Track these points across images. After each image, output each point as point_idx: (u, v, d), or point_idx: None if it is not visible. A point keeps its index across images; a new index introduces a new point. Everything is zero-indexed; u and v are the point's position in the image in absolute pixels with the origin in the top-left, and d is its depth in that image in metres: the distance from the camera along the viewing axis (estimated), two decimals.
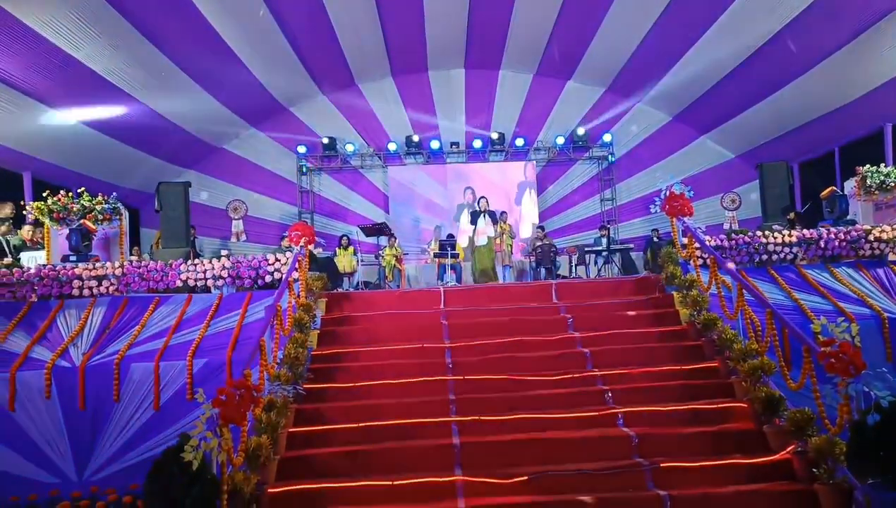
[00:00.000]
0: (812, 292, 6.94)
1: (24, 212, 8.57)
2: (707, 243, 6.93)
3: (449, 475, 4.61)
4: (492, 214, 11.13)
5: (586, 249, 12.49)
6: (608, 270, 12.10)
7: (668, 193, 7.43)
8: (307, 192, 14.42)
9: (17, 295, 6.93)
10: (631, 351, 6.25)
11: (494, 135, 14.23)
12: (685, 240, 7.26)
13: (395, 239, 12.32)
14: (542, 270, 12.02)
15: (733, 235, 7.56)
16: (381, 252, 12.03)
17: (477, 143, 14.28)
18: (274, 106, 13.76)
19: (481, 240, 10.85)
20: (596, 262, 12.45)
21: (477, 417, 5.20)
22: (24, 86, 9.02)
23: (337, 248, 12.33)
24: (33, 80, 9.03)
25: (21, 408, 5.92)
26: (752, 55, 11.00)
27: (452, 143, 14.44)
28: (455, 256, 11.58)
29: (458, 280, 11.40)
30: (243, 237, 14.03)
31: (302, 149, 14.16)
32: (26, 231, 8.89)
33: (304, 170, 14.33)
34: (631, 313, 7.05)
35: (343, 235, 12.60)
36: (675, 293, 7.02)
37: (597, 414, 5.23)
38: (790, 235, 7.50)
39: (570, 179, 14.72)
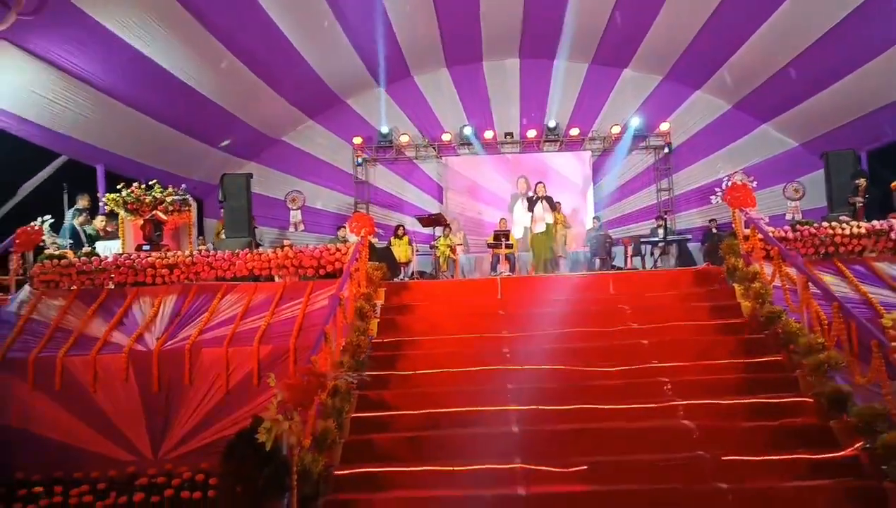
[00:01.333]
0: (881, 285, 6.68)
1: (100, 204, 9.03)
2: (770, 234, 6.77)
3: (508, 462, 4.69)
4: (549, 200, 10.82)
5: (642, 240, 12.32)
6: (665, 261, 11.91)
7: (729, 183, 7.27)
8: (363, 183, 14.66)
9: (95, 282, 7.31)
10: (691, 343, 6.19)
11: (552, 124, 14.14)
12: (747, 232, 7.11)
13: (450, 229, 12.42)
14: (597, 261, 11.93)
15: (798, 226, 7.35)
16: (435, 242, 12.16)
17: (531, 133, 14.22)
18: (331, 98, 14.01)
19: (539, 228, 10.59)
20: (652, 253, 12.27)
21: (535, 406, 5.26)
22: (99, 82, 9.50)
23: (392, 238, 12.52)
24: (108, 77, 9.50)
25: (101, 389, 6.24)
26: (818, 41, 10.59)
27: (506, 134, 14.42)
28: (509, 246, 11.60)
29: (512, 270, 11.43)
30: (301, 227, 14.38)
31: (358, 141, 14.38)
32: (100, 221, 9.38)
33: (360, 161, 14.57)
34: (690, 305, 6.96)
35: (398, 225, 12.78)
36: (736, 285, 6.89)
37: (656, 405, 5.22)
38: (858, 226, 7.24)
39: (626, 169, 14.51)
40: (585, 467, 4.54)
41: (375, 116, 14.43)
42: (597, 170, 14.51)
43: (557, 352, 6.08)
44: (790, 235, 7.22)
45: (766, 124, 13.89)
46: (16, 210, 10.80)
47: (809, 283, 5.63)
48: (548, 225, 10.55)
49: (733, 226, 7.55)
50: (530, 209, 10.84)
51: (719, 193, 7.57)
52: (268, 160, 14.44)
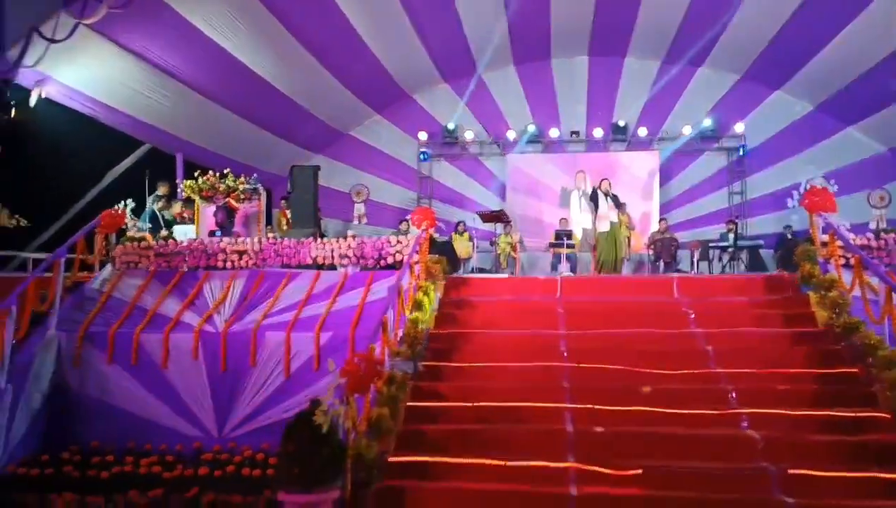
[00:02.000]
0: None
1: (178, 191, 9.45)
2: (852, 242, 6.43)
3: (561, 461, 4.63)
4: (615, 198, 10.10)
5: (710, 244, 11.92)
6: (734, 267, 11.49)
7: (808, 187, 6.94)
8: (426, 178, 14.77)
9: (171, 264, 7.68)
10: (759, 351, 5.95)
11: (620, 123, 13.86)
12: (825, 238, 6.78)
13: (512, 226, 12.36)
14: (661, 264, 11.62)
15: (882, 234, 6.95)
16: (496, 239, 12.12)
17: (598, 132, 13.98)
18: (397, 93, 14.18)
19: (603, 226, 9.95)
20: (721, 258, 11.84)
21: (591, 406, 5.18)
22: (180, 74, 9.94)
23: (453, 234, 12.57)
24: (188, 69, 9.93)
25: (173, 366, 6.55)
26: None
27: (572, 132, 14.22)
28: (571, 246, 11.46)
29: (573, 270, 11.28)
30: (364, 220, 14.63)
31: (422, 136, 14.50)
32: (177, 207, 9.82)
33: (424, 156, 14.69)
34: (760, 312, 6.70)
35: (459, 221, 12.81)
36: (811, 293, 6.59)
37: (719, 413, 5.05)
38: None
39: (696, 171, 14.06)
40: (640, 471, 4.44)
41: (441, 112, 14.50)
42: (665, 171, 14.11)
43: (615, 352, 5.97)
44: (873, 243, 6.84)
45: (851, 127, 13.17)
46: (102, 194, 11.47)
47: (893, 294, 5.32)
48: (612, 224, 10.01)
49: (810, 231, 7.21)
50: (592, 200, 10.18)
51: (796, 197, 7.21)
52: (335, 153, 14.73)
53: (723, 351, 5.88)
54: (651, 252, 12.05)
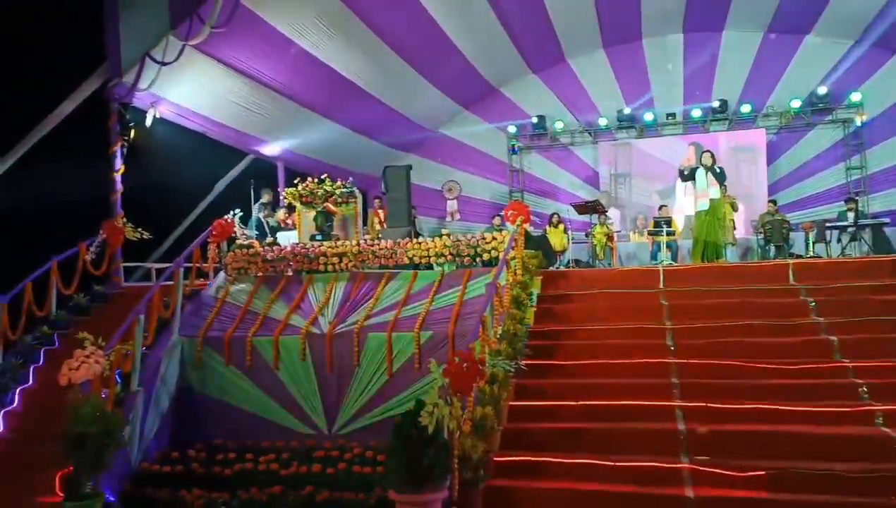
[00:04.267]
0: None
1: (281, 198, 9.87)
2: None
3: (674, 461, 4.47)
4: (716, 172, 9.04)
5: (828, 225, 11.07)
6: (855, 248, 10.62)
7: None
8: (517, 171, 14.65)
9: (277, 269, 8.03)
10: (891, 341, 5.47)
11: (716, 103, 13.16)
12: None
13: (607, 216, 12.03)
14: (772, 248, 10.93)
15: None
16: (591, 229, 11.85)
17: (696, 113, 13.34)
18: (485, 88, 14.15)
19: (703, 204, 8.99)
20: (839, 240, 10.99)
21: (704, 404, 4.96)
22: (278, 85, 10.39)
23: (547, 226, 12.39)
24: (284, 79, 10.36)
25: (283, 367, 6.86)
26: None
27: (668, 115, 13.64)
28: (671, 234, 10.99)
29: (674, 259, 10.82)
30: (457, 216, 14.72)
31: (512, 129, 14.39)
32: (281, 214, 10.27)
33: (515, 149, 14.56)
34: (888, 297, 6.15)
35: (553, 213, 12.61)
36: None
37: (849, 410, 4.70)
38: None
39: (807, 147, 13.13)
40: (763, 472, 4.19)
41: (529, 103, 14.33)
42: (772, 149, 13.27)
43: (728, 346, 5.69)
44: None
45: None
46: (212, 204, 12.20)
47: None
48: (712, 201, 8.97)
49: None
50: (688, 178, 9.16)
51: None
52: (426, 151, 14.91)
53: (849, 342, 5.47)
54: (760, 236, 11.35)
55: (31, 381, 6.63)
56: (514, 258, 7.12)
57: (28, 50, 8.79)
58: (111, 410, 5.35)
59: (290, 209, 9.57)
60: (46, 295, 7.42)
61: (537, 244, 8.91)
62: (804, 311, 6.09)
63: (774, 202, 11.98)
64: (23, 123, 8.35)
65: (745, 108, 13.11)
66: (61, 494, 5.19)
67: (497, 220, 12.03)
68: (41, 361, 6.86)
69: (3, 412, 6.25)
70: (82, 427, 4.83)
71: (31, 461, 5.62)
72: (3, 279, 7.26)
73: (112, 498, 5.33)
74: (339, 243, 8.12)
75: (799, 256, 10.66)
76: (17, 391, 6.46)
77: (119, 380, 5.95)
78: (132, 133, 8.80)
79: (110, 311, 7.46)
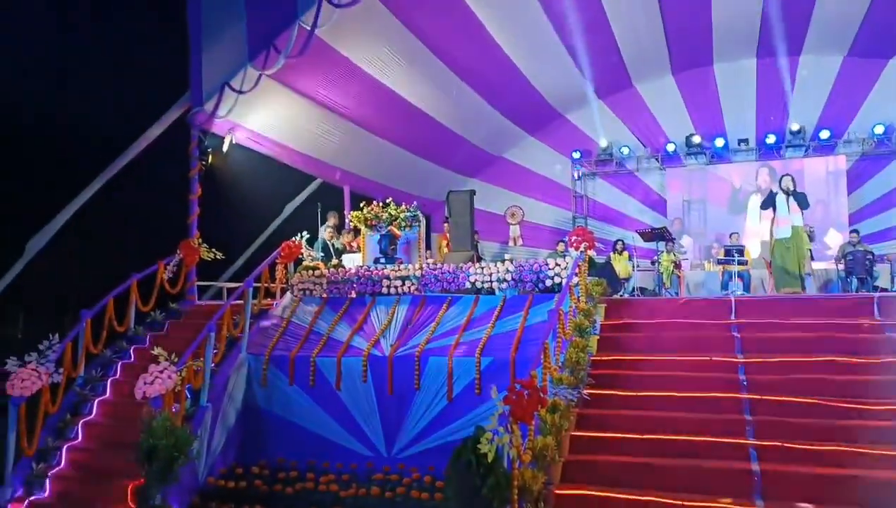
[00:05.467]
0: None
1: (347, 221, 10.08)
2: None
3: (747, 503, 4.25)
4: (800, 196, 8.56)
5: None
6: None
7: None
8: (581, 197, 14.48)
9: (341, 291, 8.19)
10: None
11: (796, 127, 12.67)
12: None
13: (675, 243, 11.71)
14: (854, 281, 10.35)
15: None
16: (658, 257, 11.55)
17: (770, 139, 12.87)
18: (549, 113, 14.11)
19: (783, 232, 8.56)
20: None
21: (780, 443, 4.70)
22: (346, 112, 10.71)
23: (612, 253, 12.17)
24: (352, 105, 10.67)
25: (345, 389, 6.95)
26: None
27: (740, 141, 13.22)
28: (743, 263, 10.58)
29: (746, 289, 10.40)
30: (520, 241, 14.65)
31: (576, 155, 14.28)
32: (346, 236, 10.49)
33: (579, 175, 14.43)
34: None
35: (618, 240, 12.39)
36: None
37: None
38: None
39: (892, 174, 12.44)
40: None
41: (594, 129, 14.17)
42: (853, 176, 12.64)
43: (806, 383, 5.40)
44: None
45: None
46: (281, 226, 12.60)
47: None
48: (794, 229, 8.52)
49: None
50: (767, 204, 8.75)
51: None
52: (489, 176, 14.94)
53: None
54: (842, 267, 10.78)
55: (108, 393, 6.95)
56: (577, 285, 7.02)
57: (118, 82, 9.40)
58: (181, 424, 5.54)
59: (356, 232, 9.76)
60: (126, 311, 7.79)
61: (601, 271, 8.75)
62: (890, 348, 5.72)
63: (857, 232, 11.38)
64: (110, 149, 8.90)
65: (824, 134, 12.57)
66: (132, 505, 5.39)
67: (561, 246, 11.90)
68: (118, 374, 7.19)
69: (82, 422, 6.57)
70: (154, 441, 5.02)
71: (106, 471, 5.87)
72: (88, 294, 7.68)
73: None
74: (403, 267, 8.21)
75: (884, 289, 10.05)
76: (96, 402, 6.79)
77: (189, 395, 6.16)
78: (210, 158, 9.22)
79: (183, 328, 7.77)
